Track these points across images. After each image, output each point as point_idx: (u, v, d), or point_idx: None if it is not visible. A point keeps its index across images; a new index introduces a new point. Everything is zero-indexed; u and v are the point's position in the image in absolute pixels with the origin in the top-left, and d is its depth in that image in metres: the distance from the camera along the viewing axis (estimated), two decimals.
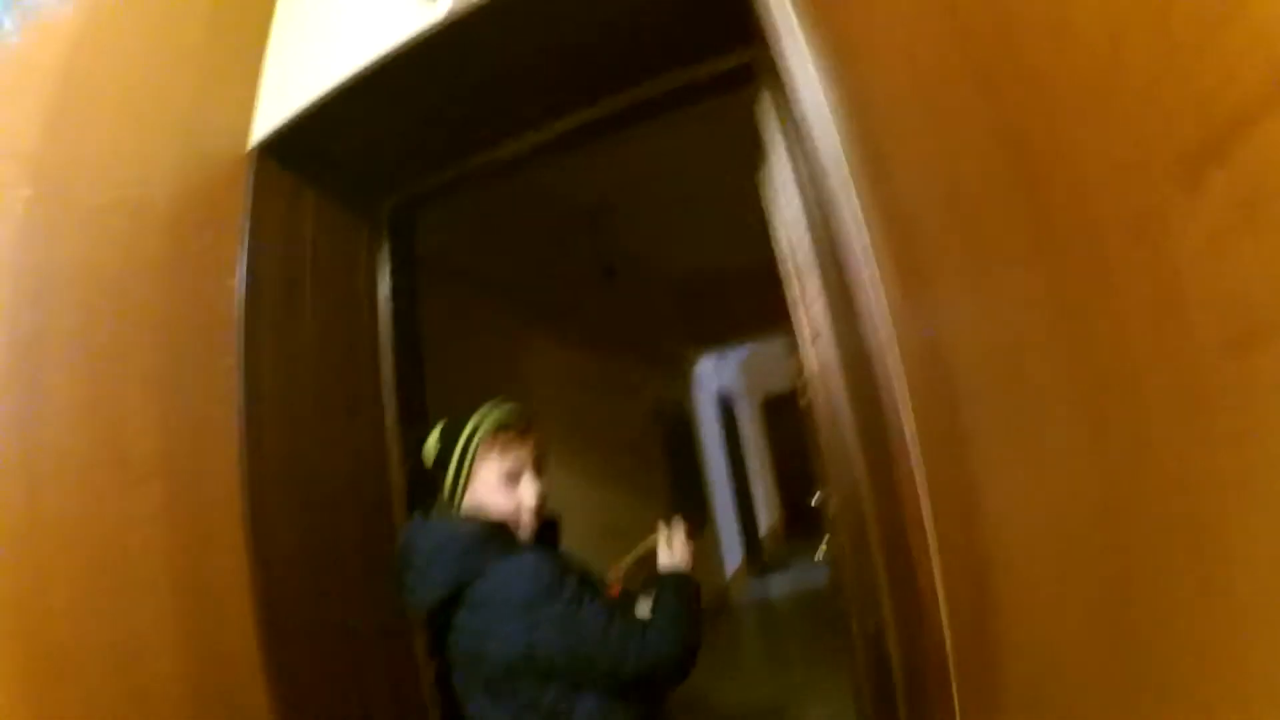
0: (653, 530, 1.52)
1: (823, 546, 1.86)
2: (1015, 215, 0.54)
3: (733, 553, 7.48)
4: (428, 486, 1.46)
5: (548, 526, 1.40)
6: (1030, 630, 0.68)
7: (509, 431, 1.32)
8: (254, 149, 1.64)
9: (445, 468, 1.33)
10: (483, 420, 1.33)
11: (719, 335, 7.43)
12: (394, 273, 1.99)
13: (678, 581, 1.37)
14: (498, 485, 1.30)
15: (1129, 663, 0.49)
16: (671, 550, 1.46)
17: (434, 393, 2.07)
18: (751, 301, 6.49)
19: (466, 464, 1.31)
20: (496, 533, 1.27)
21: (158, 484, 1.31)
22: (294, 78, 1.66)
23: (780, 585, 7.38)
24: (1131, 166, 0.38)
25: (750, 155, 1.77)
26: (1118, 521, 0.48)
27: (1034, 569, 0.64)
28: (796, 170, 1.45)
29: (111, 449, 1.24)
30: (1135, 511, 0.45)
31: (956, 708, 0.93)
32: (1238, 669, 0.37)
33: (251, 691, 1.39)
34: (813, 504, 1.88)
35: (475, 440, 1.31)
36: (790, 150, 1.47)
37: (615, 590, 1.45)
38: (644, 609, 1.40)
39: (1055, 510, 0.58)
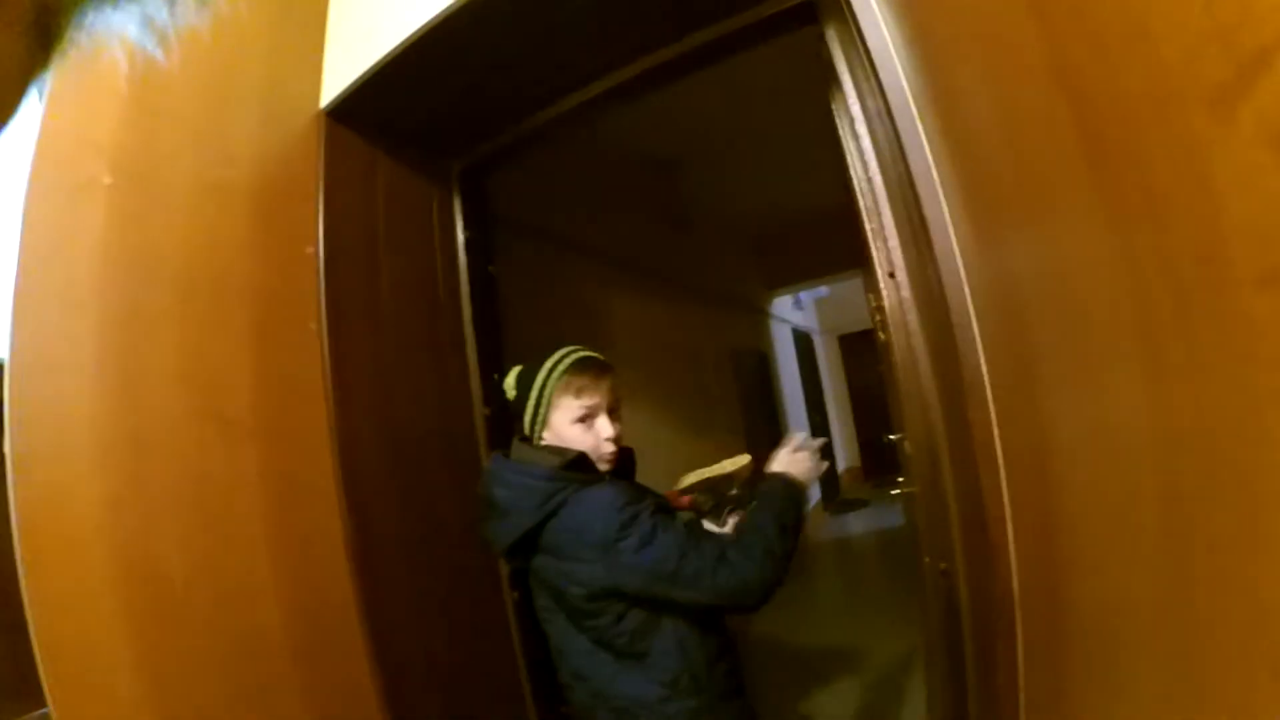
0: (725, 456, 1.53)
1: (899, 486, 1.86)
2: (1071, 150, 0.53)
3: (812, 491, 7.48)
4: (509, 425, 1.53)
5: (625, 458, 1.45)
6: (1093, 576, 0.68)
7: (583, 376, 1.36)
8: (323, 114, 1.70)
9: (523, 409, 1.39)
10: (556, 365, 1.37)
11: (795, 276, 7.33)
12: (467, 229, 2.05)
13: (787, 493, 1.35)
14: (573, 426, 1.35)
15: (1185, 612, 0.49)
16: (794, 458, 1.42)
17: (515, 345, 2.14)
18: (826, 242, 6.38)
19: (543, 407, 1.36)
20: (577, 464, 1.32)
21: (254, 443, 1.40)
22: (358, 40, 1.69)
23: (857, 524, 7.37)
24: (1172, 98, 0.38)
25: (816, 96, 1.73)
26: (1172, 462, 0.47)
27: (1097, 512, 0.64)
28: (864, 106, 1.42)
29: (210, 412, 1.34)
30: (1188, 451, 0.45)
31: (1020, 651, 0.94)
32: (1277, 614, 0.37)
33: (348, 634, 1.50)
34: (888, 442, 1.87)
35: (550, 384, 1.36)
36: (858, 86, 1.43)
37: (684, 502, 1.49)
38: (712, 527, 1.44)
39: (1117, 452, 0.57)
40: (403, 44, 1.58)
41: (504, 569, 1.92)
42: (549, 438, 1.38)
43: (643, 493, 1.36)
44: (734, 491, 1.52)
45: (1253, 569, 0.39)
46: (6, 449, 1.08)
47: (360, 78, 1.65)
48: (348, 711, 1.47)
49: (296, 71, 1.70)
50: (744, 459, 1.53)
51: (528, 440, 1.40)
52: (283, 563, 1.40)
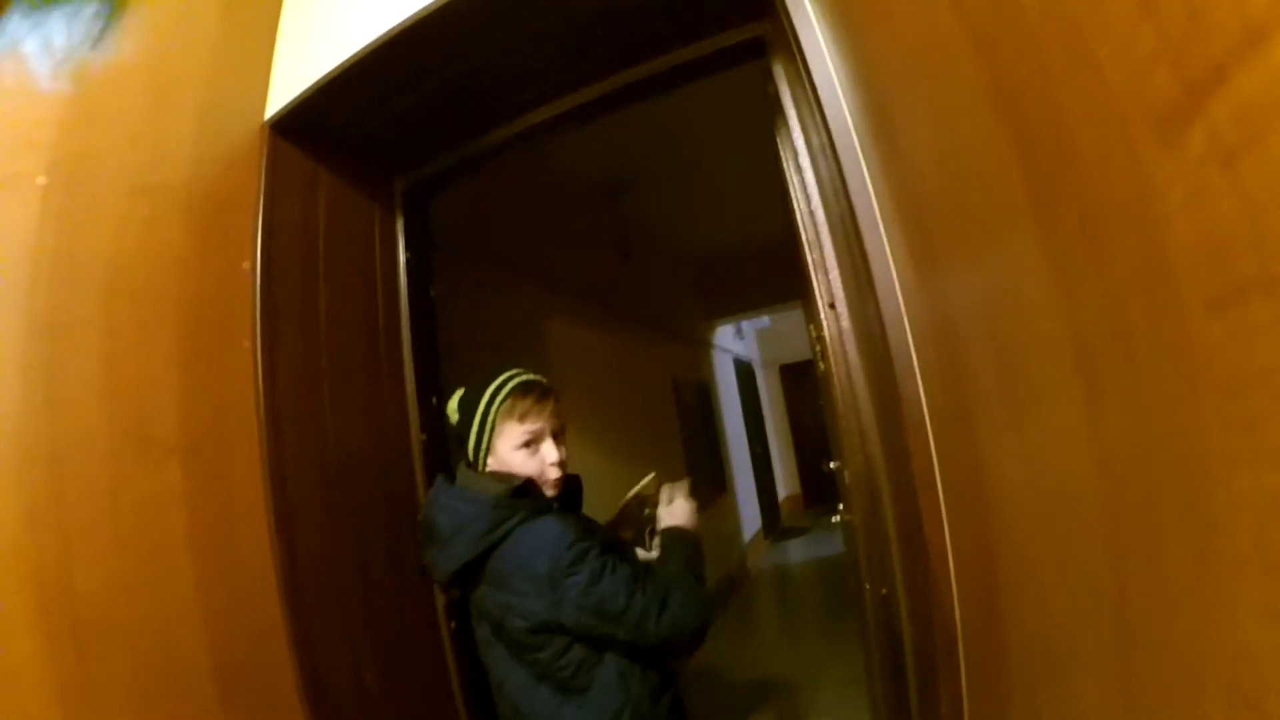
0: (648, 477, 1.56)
1: (838, 514, 1.88)
2: (1012, 182, 0.54)
3: (751, 520, 7.54)
4: (450, 451, 1.50)
5: (572, 486, 1.44)
6: (1035, 601, 0.68)
7: (526, 400, 1.35)
8: (267, 127, 1.65)
9: (467, 434, 1.36)
10: (499, 389, 1.36)
11: (737, 306, 7.43)
12: (409, 250, 2.01)
13: (680, 539, 1.40)
14: (518, 450, 1.34)
15: (1126, 631, 0.49)
16: (671, 509, 1.48)
17: (454, 370, 2.10)
18: (768, 273, 6.49)
19: (487, 432, 1.34)
20: (523, 491, 1.30)
21: (180, 463, 1.33)
22: (306, 54, 1.66)
23: (798, 552, 7.44)
24: (1115, 124, 0.38)
25: (761, 129, 1.76)
26: (1113, 488, 0.48)
27: (1037, 538, 0.65)
28: (809, 141, 1.45)
29: (133, 430, 1.27)
30: (1129, 477, 0.45)
31: (963, 677, 0.95)
32: (1227, 633, 0.37)
33: (279, 662, 1.42)
34: (828, 471, 1.90)
35: (494, 409, 1.34)
36: (803, 121, 1.46)
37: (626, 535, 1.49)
38: (643, 553, 1.46)
39: (1056, 480, 0.58)
40: (351, 59, 1.55)
41: (441, 599, 1.86)
42: (493, 464, 1.35)
43: (592, 529, 1.35)
44: (648, 511, 1.55)
45: (1196, 594, 0.39)
46: None
47: (307, 90, 1.61)
48: None
49: (242, 82, 1.65)
50: (649, 476, 1.56)
51: (473, 466, 1.37)
52: (207, 586, 1.32)
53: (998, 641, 0.83)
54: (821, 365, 1.62)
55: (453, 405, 1.41)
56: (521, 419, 1.33)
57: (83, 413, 1.20)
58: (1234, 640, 0.37)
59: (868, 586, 1.45)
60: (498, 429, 1.34)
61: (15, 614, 1.06)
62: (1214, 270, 0.32)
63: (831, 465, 1.82)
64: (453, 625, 1.85)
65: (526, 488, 1.31)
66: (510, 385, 1.36)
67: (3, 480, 1.09)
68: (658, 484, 1.56)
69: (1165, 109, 0.34)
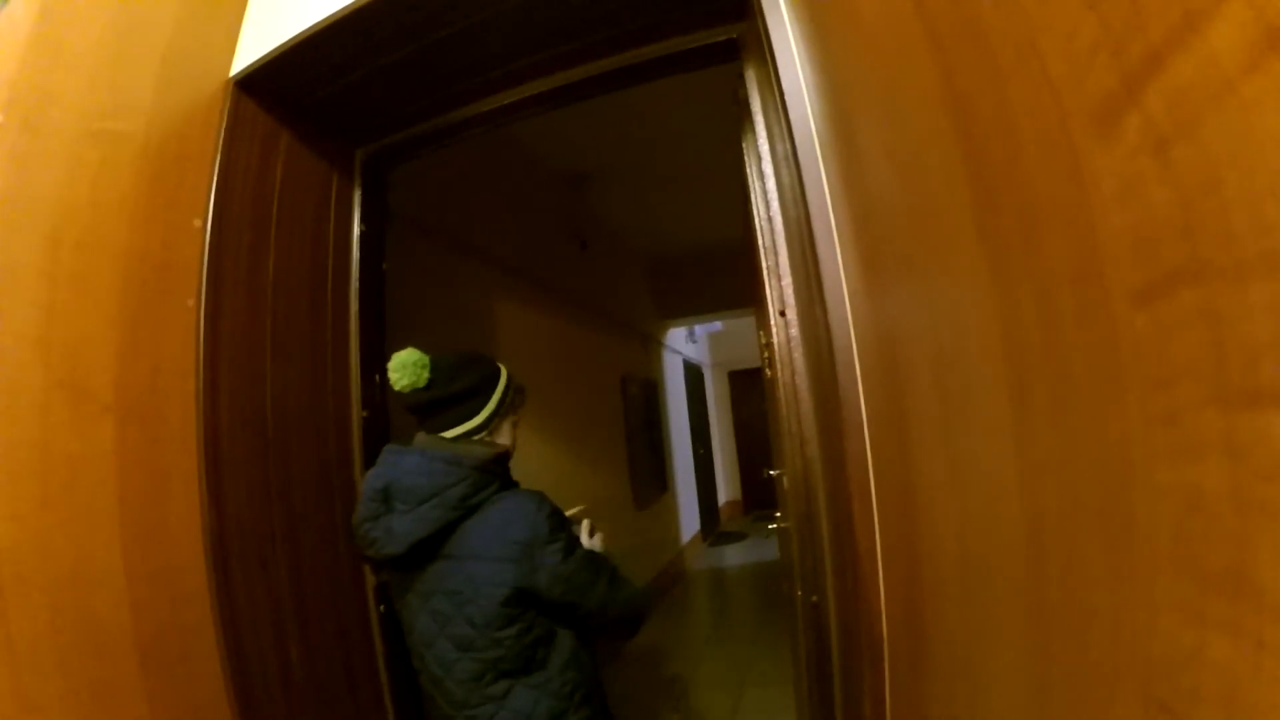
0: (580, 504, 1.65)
1: (775, 520, 1.91)
2: (958, 185, 0.54)
3: (690, 522, 7.59)
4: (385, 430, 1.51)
5: None
6: (957, 608, 0.69)
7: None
8: (231, 84, 1.60)
9: (487, 393, 1.41)
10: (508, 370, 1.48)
11: (691, 307, 7.47)
12: (364, 222, 1.97)
13: (605, 559, 1.47)
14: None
15: (1042, 635, 0.49)
16: (594, 542, 1.55)
17: (399, 346, 2.06)
18: (725, 277, 6.54)
19: (510, 395, 1.45)
20: (504, 459, 1.40)
21: (113, 419, 1.29)
22: (278, 12, 1.61)
23: (734, 557, 7.52)
24: (1055, 118, 0.38)
25: (729, 132, 1.78)
26: (1035, 489, 0.48)
27: (961, 541, 0.65)
28: (773, 148, 1.47)
29: (68, 382, 1.22)
30: (1051, 478, 0.45)
31: (887, 681, 0.96)
32: (1143, 635, 0.37)
33: (202, 631, 1.39)
34: (768, 477, 1.93)
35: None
36: (769, 128, 1.48)
37: None
38: None
39: (981, 483, 0.58)
40: (324, 21, 1.51)
41: (370, 580, 1.83)
42: (485, 436, 1.40)
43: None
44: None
45: (1114, 594, 0.39)
46: None
47: (276, 49, 1.57)
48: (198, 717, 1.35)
49: (209, 35, 1.60)
50: (578, 508, 1.64)
51: (466, 433, 1.40)
52: (133, 549, 1.28)
53: (921, 645, 0.84)
54: (768, 372, 1.64)
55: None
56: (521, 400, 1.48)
57: (15, 361, 1.15)
58: (1150, 642, 0.36)
59: (799, 593, 1.48)
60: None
61: None
62: (1142, 261, 0.32)
63: (771, 472, 1.86)
64: (381, 609, 1.82)
65: (506, 458, 1.40)
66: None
67: None
68: (582, 516, 1.62)
69: (1103, 100, 0.33)
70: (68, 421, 1.22)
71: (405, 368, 1.36)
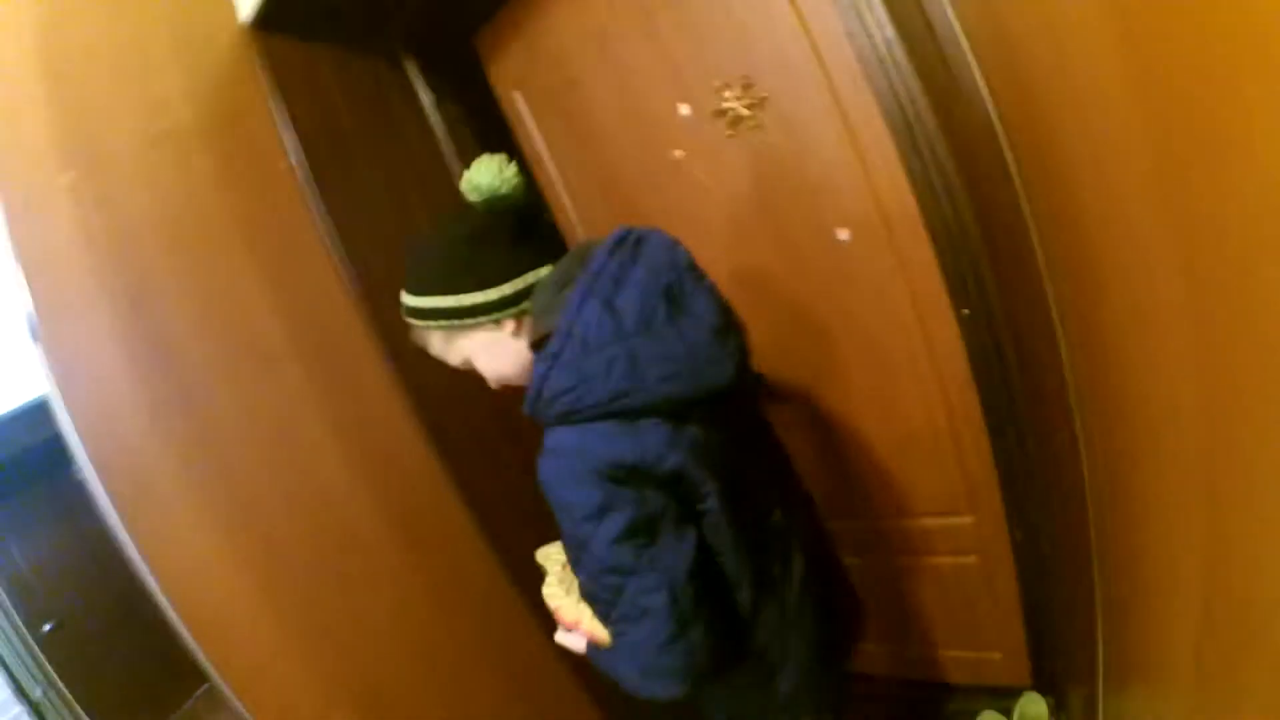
0: None
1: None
2: None
3: None
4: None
5: None
6: None
7: None
8: (248, 29, 1.53)
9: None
10: None
11: None
12: (440, 106, 1.89)
13: None
14: None
15: None
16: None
17: None
18: None
19: None
20: None
21: (293, 363, 1.45)
22: None
23: None
24: None
25: None
26: None
27: None
28: None
29: (244, 344, 1.39)
30: None
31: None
32: None
33: (444, 503, 1.61)
34: None
35: None
36: None
37: None
38: None
39: None
40: None
41: None
42: None
43: None
44: None
45: None
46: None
47: None
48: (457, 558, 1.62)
49: None
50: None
51: None
52: (358, 455, 1.50)
53: None
54: None
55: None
56: None
57: (196, 343, 1.32)
58: None
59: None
60: None
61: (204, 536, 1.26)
62: None
63: None
64: None
65: None
66: None
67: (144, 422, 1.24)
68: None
69: None
70: (256, 375, 1.40)
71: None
